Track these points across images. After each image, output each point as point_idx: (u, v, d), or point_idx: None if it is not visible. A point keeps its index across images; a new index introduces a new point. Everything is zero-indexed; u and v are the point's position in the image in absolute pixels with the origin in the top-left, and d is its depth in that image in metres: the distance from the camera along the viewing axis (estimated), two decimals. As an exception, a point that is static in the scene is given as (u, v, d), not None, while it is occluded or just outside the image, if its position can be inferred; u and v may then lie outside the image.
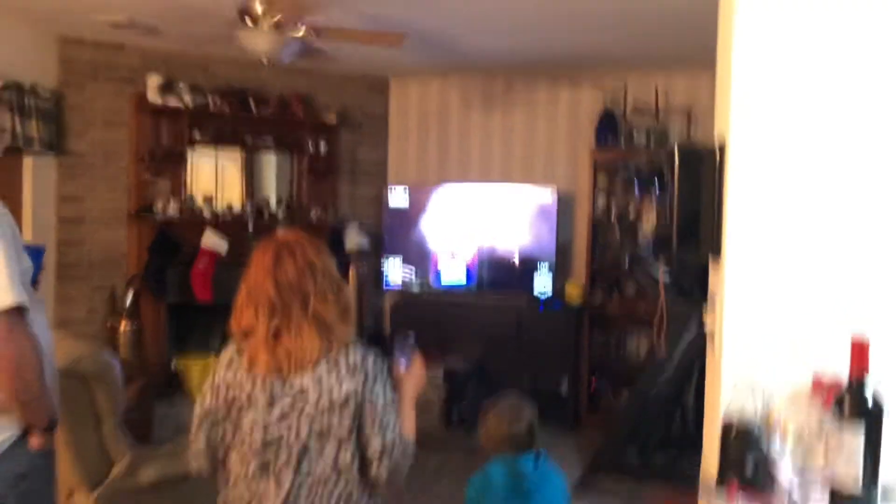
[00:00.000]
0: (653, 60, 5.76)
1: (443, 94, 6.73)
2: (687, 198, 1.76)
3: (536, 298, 6.20)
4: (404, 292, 6.52)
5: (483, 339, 6.17)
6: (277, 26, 4.00)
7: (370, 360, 1.89)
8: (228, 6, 4.32)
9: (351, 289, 6.28)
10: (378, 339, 6.57)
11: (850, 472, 1.45)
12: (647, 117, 6.08)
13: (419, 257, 6.43)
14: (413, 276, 6.45)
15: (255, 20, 4.04)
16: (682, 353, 4.79)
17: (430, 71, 6.47)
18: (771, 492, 1.59)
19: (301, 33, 4.17)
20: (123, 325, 5.53)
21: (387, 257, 6.48)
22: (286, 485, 1.84)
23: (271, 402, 1.86)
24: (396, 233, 6.48)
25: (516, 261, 6.28)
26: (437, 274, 6.42)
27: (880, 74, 1.67)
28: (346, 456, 1.85)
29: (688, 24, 4.49)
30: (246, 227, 5.86)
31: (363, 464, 1.87)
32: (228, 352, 1.96)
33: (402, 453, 1.89)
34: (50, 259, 5.41)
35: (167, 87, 5.65)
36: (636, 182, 1.80)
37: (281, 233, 2.01)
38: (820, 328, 1.67)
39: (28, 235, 5.20)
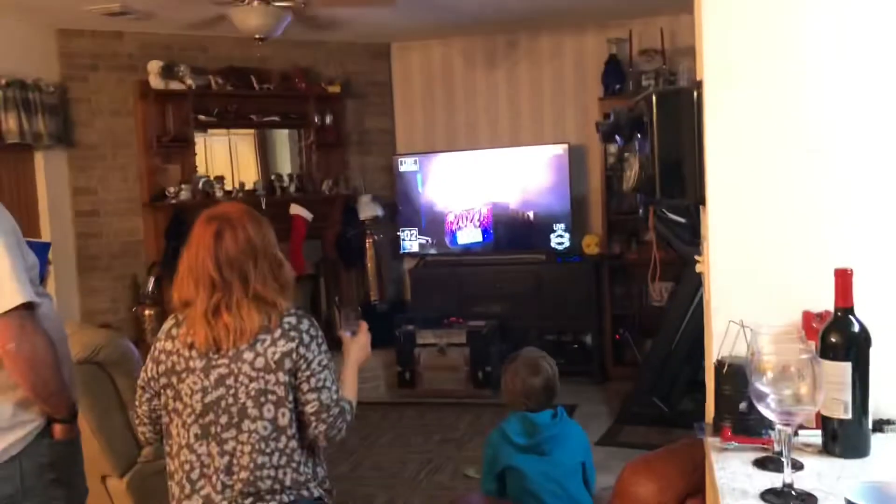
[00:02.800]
0: (656, 5, 5.63)
1: (445, 56, 6.67)
2: (668, 143, 1.74)
3: (554, 253, 6.18)
4: (422, 257, 6.53)
5: (503, 297, 6.18)
6: (266, 0, 3.97)
7: (305, 323, 1.93)
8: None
9: (370, 258, 6.37)
10: (400, 305, 6.62)
11: (840, 400, 1.45)
12: (654, 61, 5.98)
13: (434, 222, 6.43)
14: (429, 241, 6.46)
15: (244, -3, 4.03)
16: (701, 298, 4.76)
17: (432, 34, 6.40)
18: (766, 431, 1.59)
19: (289, 4, 4.15)
20: (148, 312, 5.63)
21: (402, 224, 6.49)
22: (228, 446, 1.89)
23: (208, 367, 1.90)
24: (410, 199, 6.47)
25: (531, 217, 6.25)
26: (454, 236, 6.42)
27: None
28: (286, 415, 1.89)
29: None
30: (259, 205, 5.89)
31: (301, 423, 1.92)
32: (169, 322, 2.00)
33: (339, 413, 1.94)
34: (70, 252, 5.50)
35: (169, 72, 5.66)
36: (617, 130, 1.77)
37: (223, 206, 2.02)
38: (807, 265, 1.65)
39: (46, 231, 5.29)
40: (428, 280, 6.42)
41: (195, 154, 5.81)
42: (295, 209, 5.98)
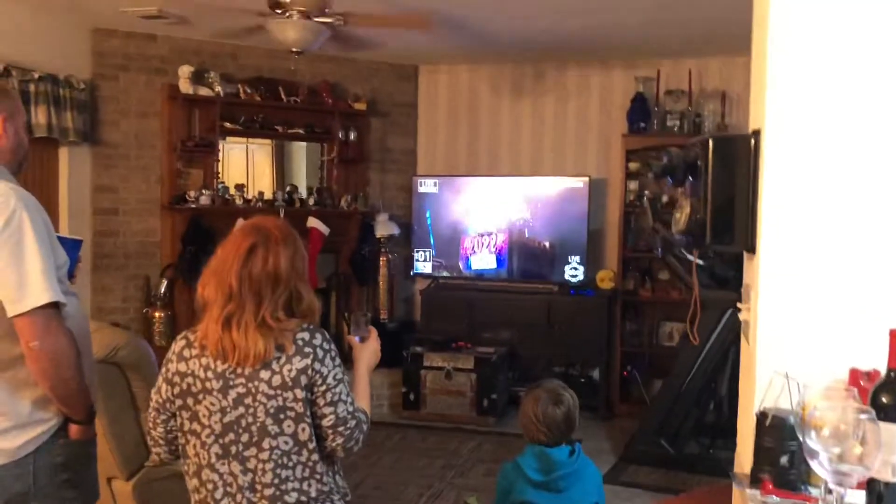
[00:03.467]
0: (686, 45, 5.67)
1: (472, 81, 6.70)
2: (721, 188, 1.73)
3: (568, 285, 6.17)
4: (434, 279, 6.53)
5: (514, 325, 6.16)
6: (306, 15, 4.00)
7: (318, 337, 1.91)
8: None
9: (382, 276, 6.36)
10: (410, 326, 6.60)
11: (889, 462, 1.42)
12: (681, 102, 6.01)
13: (449, 245, 6.43)
14: (443, 263, 6.46)
15: (283, 10, 4.05)
16: (715, 342, 4.75)
17: (460, 58, 6.44)
18: (805, 487, 1.57)
19: (329, 20, 4.17)
20: (158, 314, 5.61)
21: (416, 245, 6.49)
22: (250, 464, 1.88)
23: (226, 388, 1.88)
24: (426, 220, 6.48)
25: (547, 248, 6.25)
26: (468, 261, 6.41)
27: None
28: (306, 430, 1.88)
29: (721, 6, 4.41)
30: (277, 215, 5.89)
31: (319, 437, 1.91)
32: (180, 342, 1.97)
33: (356, 425, 1.93)
34: (86, 249, 5.49)
35: (198, 77, 5.70)
36: (670, 171, 1.77)
37: (269, 221, 2.00)
38: (857, 321, 1.64)
39: (64, 226, 5.29)
40: (439, 303, 6.40)
41: (218, 160, 5.83)
42: (312, 222, 5.99)
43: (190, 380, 1.91)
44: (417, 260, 6.50)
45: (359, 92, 6.42)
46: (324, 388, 1.89)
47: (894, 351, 1.45)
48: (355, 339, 2.20)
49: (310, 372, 1.87)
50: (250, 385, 1.87)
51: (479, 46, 5.87)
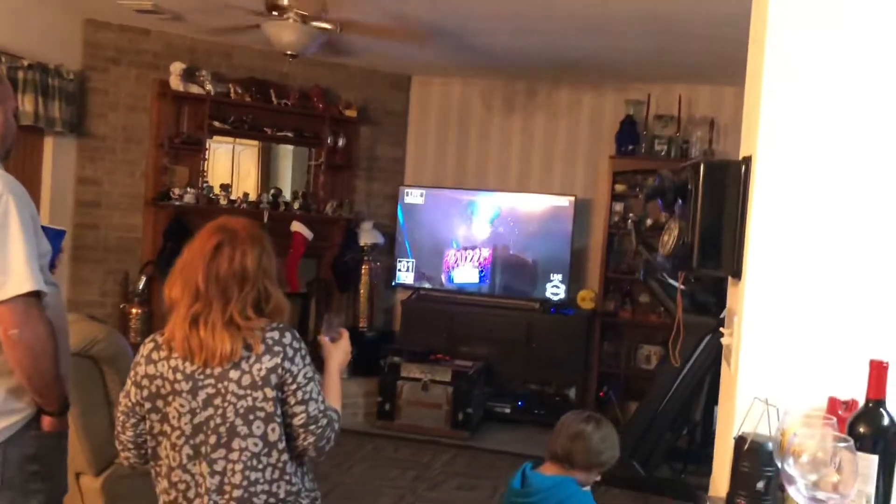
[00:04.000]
0: (677, 71, 5.73)
1: (464, 94, 6.73)
2: (710, 213, 1.75)
3: (548, 303, 6.19)
4: (415, 290, 6.52)
5: (492, 340, 6.16)
6: (303, 19, 4.00)
7: (288, 336, 1.91)
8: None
9: (364, 284, 6.34)
10: (389, 336, 6.59)
11: (864, 492, 1.44)
12: (669, 127, 6.07)
13: (432, 256, 6.43)
14: (425, 275, 6.45)
15: (281, 12, 4.05)
16: (692, 367, 4.77)
17: (453, 71, 6.47)
18: (781, 513, 1.57)
19: (327, 26, 4.17)
20: (135, 310, 5.56)
21: (399, 254, 6.48)
22: (218, 466, 1.87)
23: (195, 389, 1.87)
24: (410, 231, 6.48)
25: (530, 265, 6.26)
26: (450, 273, 6.41)
27: (913, 97, 1.65)
28: (275, 430, 1.87)
29: (714, 35, 4.46)
30: (261, 217, 5.87)
31: (290, 436, 1.91)
32: (149, 345, 1.95)
33: (327, 423, 1.93)
34: (66, 241, 5.43)
35: (189, 75, 5.67)
36: (661, 193, 1.78)
37: (235, 221, 2.00)
38: (838, 350, 1.65)
39: (46, 216, 5.22)
40: (419, 314, 6.39)
41: (205, 159, 5.80)
42: (296, 226, 5.96)
43: (159, 382, 1.89)
44: (400, 270, 6.49)
45: (350, 98, 6.42)
46: (294, 386, 1.88)
47: (873, 381, 1.47)
48: (326, 339, 2.20)
49: (280, 371, 1.86)
50: (220, 385, 1.86)
51: (473, 60, 5.90)
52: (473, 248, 6.36)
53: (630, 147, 6.07)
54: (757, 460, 1.58)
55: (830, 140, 1.67)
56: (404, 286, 6.57)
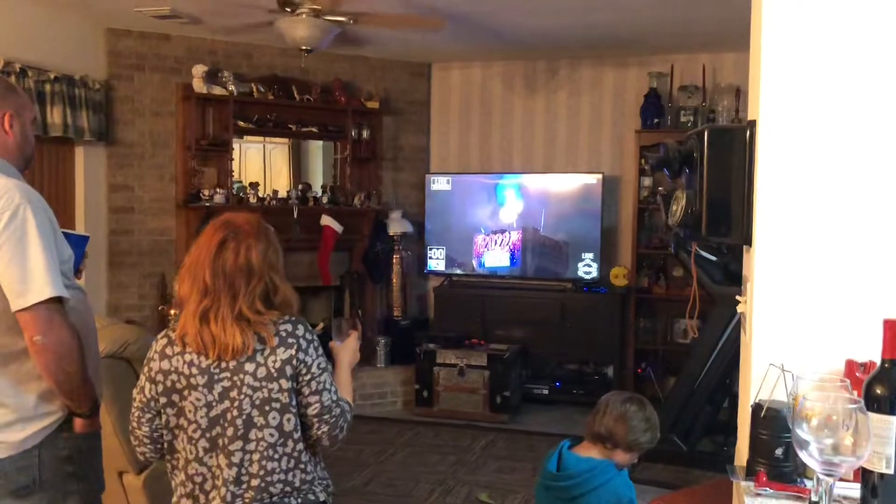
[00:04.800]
0: (700, 40, 5.63)
1: (485, 78, 6.70)
2: (717, 180, 1.72)
3: (581, 282, 6.15)
4: (447, 276, 6.53)
5: (527, 323, 6.16)
6: (316, 13, 4.02)
7: (301, 328, 1.93)
8: (268, -5, 4.37)
9: (396, 274, 6.37)
10: (423, 323, 6.62)
11: (883, 454, 1.41)
12: (695, 98, 5.97)
13: (462, 242, 6.43)
14: (456, 261, 6.46)
15: (294, 8, 4.07)
16: (729, 339, 4.71)
17: (473, 56, 6.44)
18: (801, 479, 1.56)
19: (340, 19, 4.19)
20: (174, 311, 5.66)
21: (429, 242, 6.50)
22: (236, 458, 1.89)
23: (211, 382, 1.90)
24: (439, 218, 6.48)
25: (560, 245, 6.23)
26: (481, 258, 6.41)
27: (920, 48, 1.60)
28: (291, 420, 1.91)
29: (734, 3, 4.37)
30: (291, 213, 5.93)
31: (304, 426, 1.94)
32: (161, 341, 1.97)
33: (340, 413, 1.96)
34: (102, 247, 5.56)
35: (212, 76, 5.74)
36: (666, 163, 1.77)
37: (238, 216, 2.02)
38: (854, 312, 1.62)
39: (80, 225, 5.35)
40: (452, 300, 6.41)
41: (232, 159, 5.86)
42: (326, 220, 6.01)
43: (174, 377, 1.92)
44: (430, 257, 6.51)
45: (371, 90, 6.44)
46: (308, 377, 1.91)
47: (888, 341, 1.44)
48: (336, 344, 2.23)
49: (294, 362, 1.89)
50: (235, 378, 1.89)
51: (491, 43, 5.86)
52: (503, 231, 6.34)
53: (655, 120, 5.99)
54: (775, 427, 1.57)
55: (833, 100, 1.63)
56: (436, 273, 6.59)
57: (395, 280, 6.45)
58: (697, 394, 4.90)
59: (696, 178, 1.73)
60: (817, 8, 1.64)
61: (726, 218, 1.73)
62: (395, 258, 6.42)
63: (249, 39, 5.84)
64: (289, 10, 4.09)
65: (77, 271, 2.46)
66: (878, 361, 1.48)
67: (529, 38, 5.69)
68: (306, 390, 1.92)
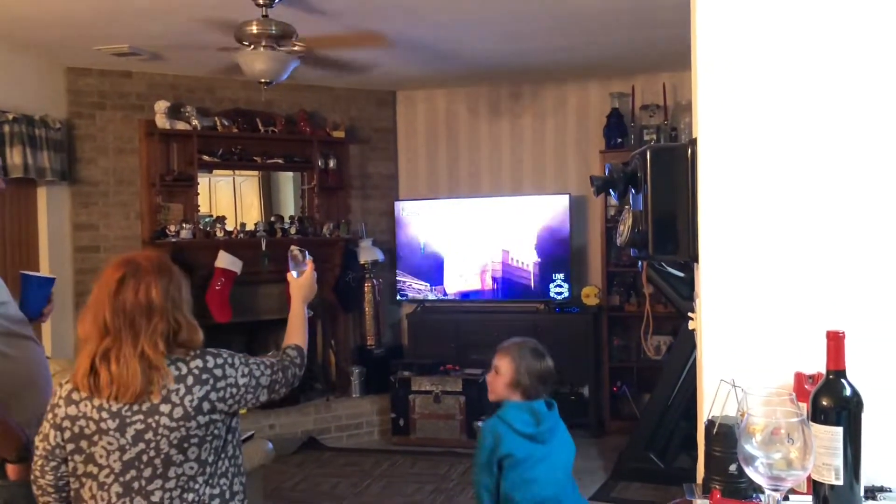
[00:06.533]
0: (658, 59, 5.71)
1: (450, 105, 6.74)
2: (661, 198, 1.74)
3: (553, 303, 6.16)
4: (420, 303, 6.51)
5: (501, 347, 6.13)
6: (272, 46, 4.03)
7: (209, 360, 1.91)
8: (224, 30, 4.37)
9: (368, 302, 6.34)
10: (398, 350, 6.58)
11: (831, 465, 1.41)
12: (656, 116, 6.04)
13: (433, 268, 6.43)
14: (428, 287, 6.45)
15: (250, 42, 4.08)
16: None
17: (437, 83, 6.48)
18: (756, 494, 1.55)
19: (295, 48, 4.21)
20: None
21: (401, 269, 6.49)
22: (155, 497, 1.86)
23: (123, 426, 1.84)
24: (410, 244, 6.48)
25: (531, 267, 6.25)
26: (452, 283, 6.40)
27: (851, 65, 1.63)
28: (207, 449, 1.90)
29: (688, 19, 4.44)
30: (259, 246, 5.90)
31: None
32: (66, 386, 1.90)
33: (285, 374, 2.06)
34: (68, 287, 5.48)
35: (175, 112, 5.72)
36: (611, 185, 1.78)
37: (140, 254, 2.00)
38: (801, 325, 1.63)
39: (45, 266, 5.28)
40: (425, 326, 6.39)
41: (198, 194, 5.83)
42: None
43: (82, 422, 1.86)
44: (402, 284, 6.50)
45: (337, 119, 6.45)
46: (242, 390, 1.93)
47: (832, 352, 1.45)
48: (293, 275, 2.26)
49: (212, 396, 1.87)
50: (150, 420, 1.84)
51: (455, 70, 5.91)
52: (473, 255, 6.35)
53: (619, 140, 6.05)
54: (727, 443, 1.56)
55: (772, 117, 1.65)
56: (408, 300, 6.57)
57: (367, 308, 6.42)
58: (671, 410, 4.91)
59: (642, 197, 1.74)
60: (753, 27, 1.66)
61: (672, 236, 1.75)
62: (367, 286, 6.40)
63: (211, 74, 5.84)
64: (246, 44, 4.10)
65: (40, 314, 2.43)
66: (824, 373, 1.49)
67: (492, 64, 5.74)
68: (249, 396, 1.95)
